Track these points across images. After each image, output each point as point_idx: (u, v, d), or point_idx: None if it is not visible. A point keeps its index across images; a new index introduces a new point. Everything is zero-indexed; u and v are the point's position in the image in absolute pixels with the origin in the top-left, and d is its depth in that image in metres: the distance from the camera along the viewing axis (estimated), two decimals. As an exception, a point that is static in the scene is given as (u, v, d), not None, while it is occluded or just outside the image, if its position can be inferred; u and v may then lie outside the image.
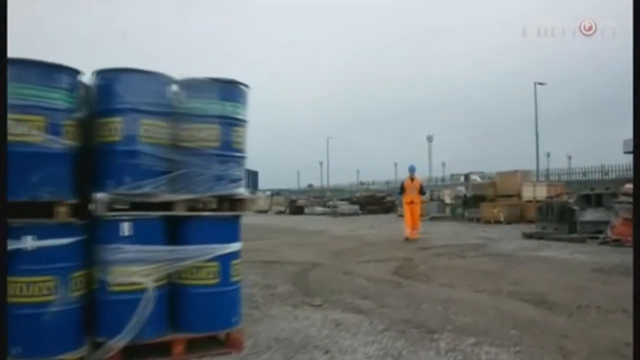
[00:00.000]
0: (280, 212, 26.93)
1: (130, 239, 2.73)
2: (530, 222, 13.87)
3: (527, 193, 14.48)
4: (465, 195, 16.41)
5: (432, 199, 19.91)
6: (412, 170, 10.60)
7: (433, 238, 10.45)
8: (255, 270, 6.40)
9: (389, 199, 25.07)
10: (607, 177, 21.55)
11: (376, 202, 23.72)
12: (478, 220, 14.94)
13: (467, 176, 17.05)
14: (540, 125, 29.34)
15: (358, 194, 26.54)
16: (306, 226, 15.95)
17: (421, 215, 19.68)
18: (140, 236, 2.76)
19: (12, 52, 2.14)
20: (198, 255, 2.88)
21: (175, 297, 2.94)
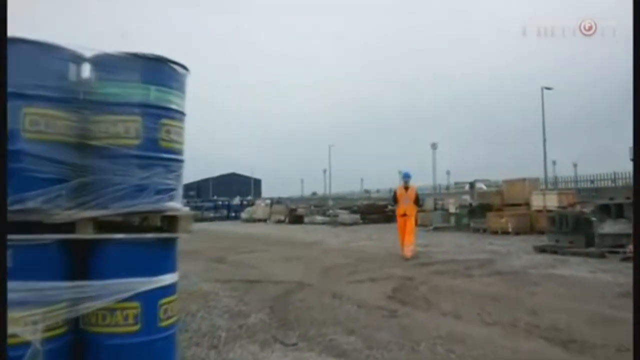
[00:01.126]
0: (279, 221, 26.13)
1: (10, 274, 1.96)
2: (541, 232, 13.01)
3: (537, 202, 13.62)
4: (470, 205, 15.59)
5: (435, 208, 19.10)
6: (406, 177, 9.23)
7: (435, 252, 9.61)
8: (232, 292, 5.62)
9: (390, 207, 24.29)
10: (614, 185, 20.66)
11: (377, 211, 22.88)
12: (484, 230, 14.09)
13: (472, 184, 16.23)
14: (546, 131, 28.64)
15: (359, 203, 25.72)
16: (302, 237, 15.15)
17: (424, 226, 19.15)
18: (25, 269, 2.00)
19: None
20: (111, 293, 2.12)
21: (80, 351, 2.16)
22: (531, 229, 13.32)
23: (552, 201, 13.11)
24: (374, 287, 5.81)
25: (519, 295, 5.14)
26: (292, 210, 25.97)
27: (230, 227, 23.74)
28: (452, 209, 17.61)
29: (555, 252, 8.76)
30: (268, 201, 31.02)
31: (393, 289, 5.58)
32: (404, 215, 8.74)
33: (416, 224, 9.71)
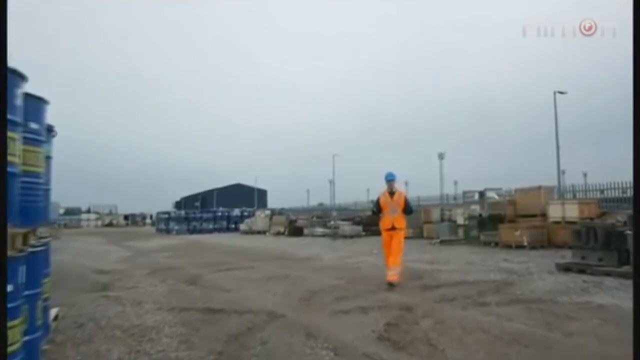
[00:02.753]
0: (278, 233, 24.92)
1: None
2: (559, 246, 11.70)
3: (555, 213, 12.27)
4: (480, 215, 14.25)
5: (442, 219, 17.76)
6: (390, 178, 7.12)
7: (442, 270, 8.34)
8: (181, 327, 4.43)
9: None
10: (625, 195, 19.22)
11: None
12: (496, 244, 12.76)
13: (482, 193, 14.92)
14: (552, 140, 27.16)
15: (362, 214, 24.43)
16: (297, 251, 13.92)
17: (430, 238, 17.66)
18: None
19: None
20: None
21: None
22: (548, 243, 11.99)
23: (572, 212, 11.76)
24: (362, 321, 4.58)
25: (551, 337, 3.87)
26: (291, 222, 24.75)
27: (225, 239, 22.57)
28: (460, 220, 16.29)
29: (582, 272, 7.45)
30: (268, 212, 29.84)
31: (387, 324, 4.36)
32: (392, 229, 6.92)
33: (405, 237, 7.86)
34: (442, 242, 14.34)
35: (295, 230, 22.87)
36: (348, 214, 30.47)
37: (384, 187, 7.24)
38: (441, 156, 75.60)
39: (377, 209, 7.26)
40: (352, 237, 19.53)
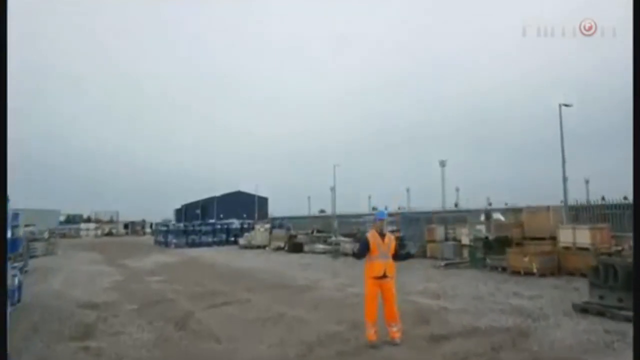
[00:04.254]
0: (278, 249, 24.40)
1: None
2: (570, 274, 11.20)
3: (566, 238, 11.74)
4: (486, 238, 13.74)
5: (446, 239, 17.23)
6: (381, 218, 6.23)
7: (449, 310, 7.78)
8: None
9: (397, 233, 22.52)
10: (626, 201, 18.62)
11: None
12: (504, 269, 12.22)
13: (488, 215, 14.42)
14: (554, 147, 26.46)
15: (364, 228, 23.86)
16: (296, 275, 13.40)
17: (434, 258, 16.42)
18: None
19: None
20: None
21: None
22: (559, 269, 11.46)
23: (583, 237, 11.23)
24: None
25: None
26: (291, 237, 24.24)
27: (223, 256, 22.04)
28: (465, 241, 15.78)
29: (601, 314, 6.94)
30: (268, 225, 29.30)
31: None
32: (383, 277, 5.77)
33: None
34: (447, 265, 13.77)
35: (295, 247, 22.35)
36: (349, 226, 29.86)
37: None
38: (442, 164, 75.21)
39: (364, 251, 6.00)
40: (353, 255, 18.97)
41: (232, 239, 31.09)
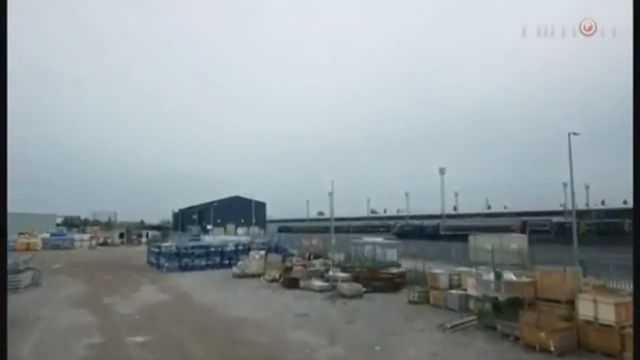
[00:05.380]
0: (273, 280, 23.29)
1: None
2: (592, 351, 10.17)
3: (585, 309, 10.69)
4: (496, 299, 12.72)
5: (451, 286, 16.19)
6: None
7: None
8: None
9: (396, 270, 21.23)
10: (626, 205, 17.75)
11: (384, 279, 19.95)
12: (516, 339, 11.17)
13: (498, 274, 13.40)
14: (554, 150, 25.46)
15: (360, 267, 21.90)
16: (287, 336, 12.32)
17: (437, 307, 15.07)
18: None
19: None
20: None
21: None
22: (579, 346, 10.41)
23: (607, 313, 10.17)
24: None
25: None
26: (287, 270, 23.17)
27: (213, 291, 21.00)
28: (471, 291, 14.74)
29: None
30: (262, 252, 28.23)
31: None
32: None
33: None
34: (453, 328, 12.69)
35: (291, 282, 21.25)
36: (347, 246, 28.18)
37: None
38: (442, 171, 74.19)
39: None
40: (352, 297, 17.98)
41: (227, 261, 30.09)
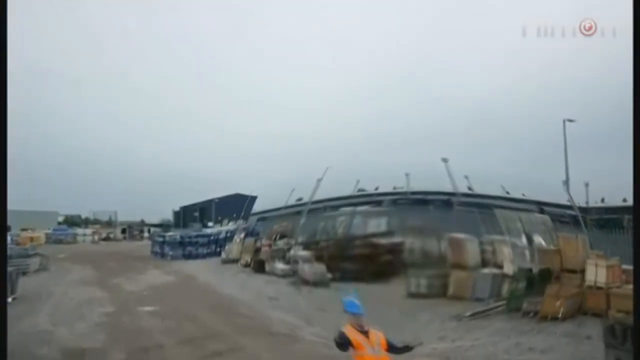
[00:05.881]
0: (246, 265, 22.84)
1: None
2: (596, 314, 10.27)
3: (590, 276, 11.05)
4: (531, 271, 11.98)
5: (484, 263, 13.00)
6: (356, 312, 4.60)
7: None
8: None
9: (386, 242, 15.56)
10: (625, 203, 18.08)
11: (362, 258, 14.81)
12: (535, 314, 10.83)
13: (530, 237, 13.12)
14: (554, 150, 25.45)
15: (327, 240, 17.98)
16: (270, 315, 12.39)
17: (460, 299, 11.71)
18: None
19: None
20: None
21: None
22: (579, 309, 10.74)
23: (601, 275, 10.69)
24: None
25: None
26: (257, 251, 22.44)
27: (204, 274, 21.22)
28: (508, 269, 12.48)
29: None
30: (242, 235, 28.32)
31: None
32: None
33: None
34: (473, 314, 11.01)
35: (259, 266, 20.49)
36: (318, 223, 21.70)
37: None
38: (445, 160, 74.23)
39: (345, 346, 4.50)
40: (316, 284, 14.99)
41: (218, 249, 30.29)
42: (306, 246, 17.99)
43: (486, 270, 12.18)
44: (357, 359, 4.51)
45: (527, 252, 12.58)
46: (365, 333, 4.53)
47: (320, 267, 14.97)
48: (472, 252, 12.36)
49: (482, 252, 12.70)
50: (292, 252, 18.04)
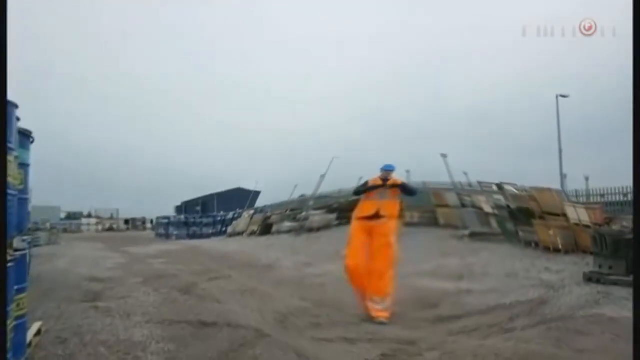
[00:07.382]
0: (252, 233, 23.88)
1: None
2: (585, 252, 11.07)
3: (573, 215, 11.80)
4: (509, 207, 12.91)
5: (463, 205, 15.53)
6: (389, 169, 5.34)
7: (473, 291, 7.09)
8: (170, 342, 3.95)
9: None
10: (626, 199, 18.76)
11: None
12: (536, 245, 11.85)
13: (500, 186, 14.20)
14: (554, 150, 26.07)
15: (343, 200, 19.85)
16: (261, 254, 13.68)
17: (453, 228, 14.24)
18: None
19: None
20: None
21: None
22: (576, 246, 11.47)
23: (583, 215, 11.37)
24: (351, 350, 4.04)
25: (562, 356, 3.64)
26: (265, 219, 23.49)
27: (210, 243, 22.04)
28: (487, 208, 14.40)
29: (599, 282, 7.10)
30: (252, 212, 29.12)
31: (382, 355, 3.82)
32: (375, 217, 4.90)
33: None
34: (473, 235, 12.52)
35: (266, 229, 21.76)
36: (327, 201, 24.14)
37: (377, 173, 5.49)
38: (444, 156, 75.09)
39: (362, 190, 5.43)
40: (321, 229, 17.23)
41: (224, 229, 31.09)
42: (319, 208, 20.16)
43: (469, 209, 14.45)
44: (363, 202, 5.37)
45: (501, 197, 13.64)
46: (385, 181, 5.27)
47: (330, 216, 17.17)
48: (451, 197, 15.14)
49: (462, 199, 15.18)
50: (304, 213, 19.63)
